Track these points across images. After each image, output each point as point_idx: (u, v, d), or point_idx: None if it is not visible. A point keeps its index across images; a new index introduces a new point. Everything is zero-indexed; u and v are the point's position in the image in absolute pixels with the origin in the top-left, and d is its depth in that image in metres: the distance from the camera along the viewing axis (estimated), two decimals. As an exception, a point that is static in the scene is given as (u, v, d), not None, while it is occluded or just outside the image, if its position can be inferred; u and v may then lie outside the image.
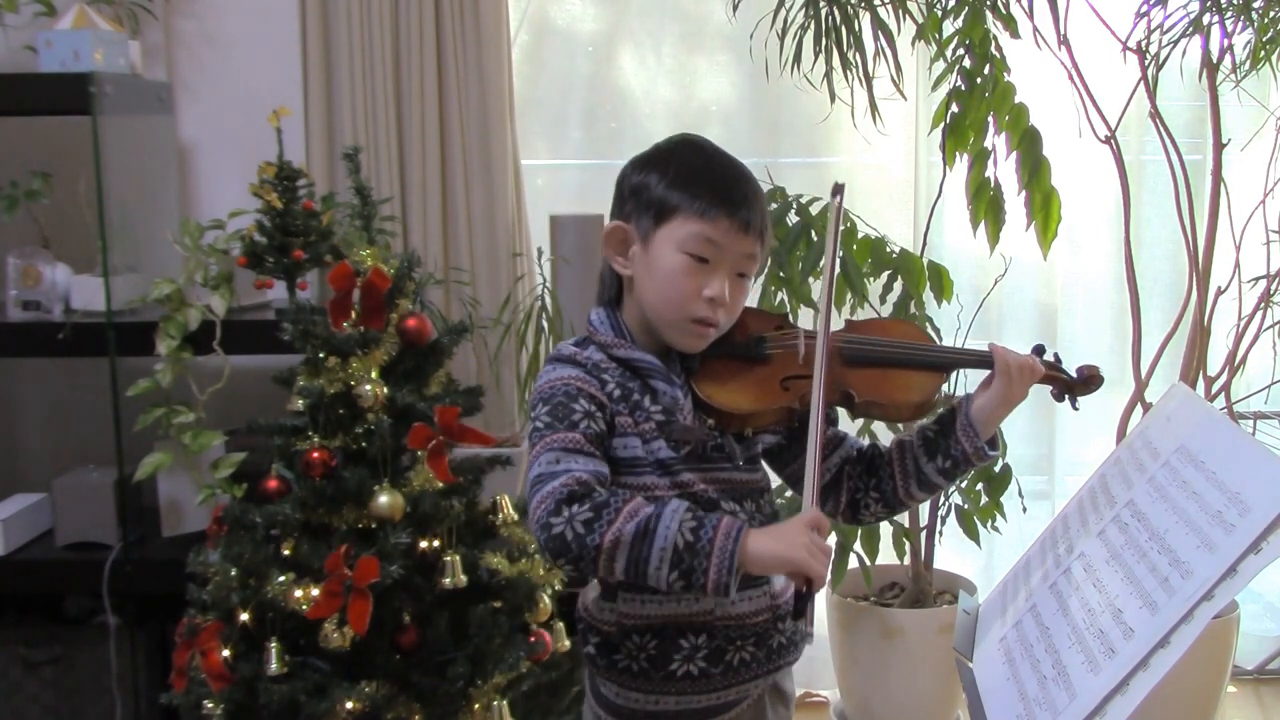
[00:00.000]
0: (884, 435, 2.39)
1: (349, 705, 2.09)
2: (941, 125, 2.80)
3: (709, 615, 1.51)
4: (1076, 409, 1.63)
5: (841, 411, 1.61)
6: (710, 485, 1.50)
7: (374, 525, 2.19)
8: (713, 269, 1.49)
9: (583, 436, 1.42)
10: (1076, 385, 1.61)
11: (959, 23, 2.74)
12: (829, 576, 1.35)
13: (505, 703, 2.20)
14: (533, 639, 2.22)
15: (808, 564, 1.34)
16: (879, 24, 2.71)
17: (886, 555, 2.89)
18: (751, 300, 2.77)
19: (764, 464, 1.61)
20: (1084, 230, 3.27)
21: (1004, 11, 2.73)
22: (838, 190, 1.61)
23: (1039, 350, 1.60)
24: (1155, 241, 3.29)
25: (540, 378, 1.51)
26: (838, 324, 1.65)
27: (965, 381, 2.56)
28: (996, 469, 2.84)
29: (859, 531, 2.81)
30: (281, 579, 2.14)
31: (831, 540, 2.84)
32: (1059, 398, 1.62)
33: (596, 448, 1.43)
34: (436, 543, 2.22)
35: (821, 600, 3.04)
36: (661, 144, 1.58)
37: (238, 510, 2.23)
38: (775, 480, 1.65)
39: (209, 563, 2.27)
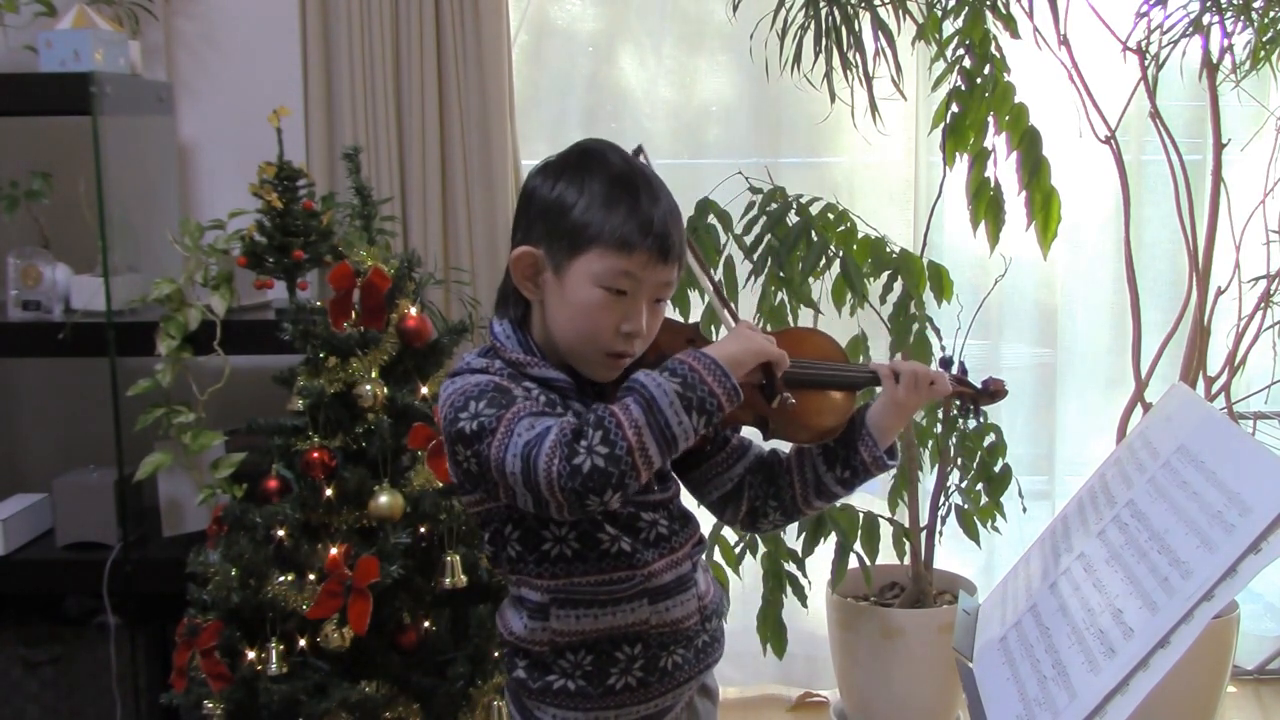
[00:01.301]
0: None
1: (349, 705, 2.09)
2: (941, 125, 2.80)
3: (644, 625, 1.48)
4: (979, 420, 1.63)
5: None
6: (629, 502, 1.46)
7: (374, 525, 2.20)
8: (631, 301, 1.41)
9: (535, 404, 1.38)
10: (982, 396, 1.60)
11: (959, 23, 2.74)
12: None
13: (505, 703, 2.20)
14: (533, 639, 2.22)
15: (768, 348, 1.40)
16: (879, 24, 2.71)
17: (886, 555, 2.89)
18: (751, 300, 2.79)
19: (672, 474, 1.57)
20: (1084, 230, 3.27)
21: (1004, 11, 2.73)
22: (639, 151, 1.55)
23: (946, 363, 1.58)
24: (1155, 241, 3.28)
25: (451, 386, 1.42)
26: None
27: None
28: (996, 469, 2.85)
29: (859, 531, 2.81)
30: (281, 579, 2.14)
31: (832, 539, 2.85)
32: (964, 411, 1.61)
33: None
34: (437, 543, 2.22)
35: (821, 600, 3.04)
36: (570, 157, 1.47)
37: (238, 510, 2.23)
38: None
39: (209, 563, 2.27)
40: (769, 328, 1.63)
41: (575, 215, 1.40)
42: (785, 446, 1.58)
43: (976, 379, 1.62)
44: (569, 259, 1.41)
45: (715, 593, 1.60)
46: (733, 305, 1.46)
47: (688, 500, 1.60)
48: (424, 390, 2.31)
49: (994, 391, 1.61)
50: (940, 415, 2.87)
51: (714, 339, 1.53)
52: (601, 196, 1.41)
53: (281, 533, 2.18)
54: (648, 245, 1.40)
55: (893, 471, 2.52)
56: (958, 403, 1.60)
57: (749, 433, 1.57)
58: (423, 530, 2.24)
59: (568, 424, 1.31)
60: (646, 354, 1.49)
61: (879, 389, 1.55)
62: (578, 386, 1.46)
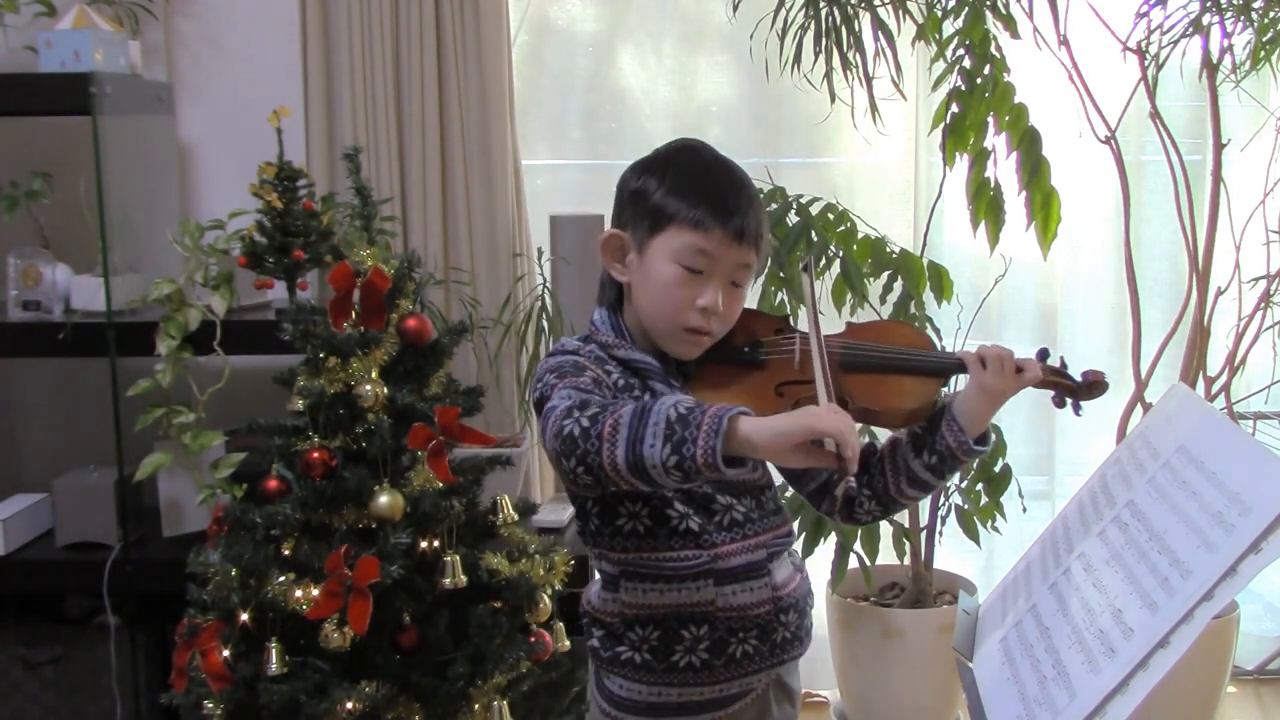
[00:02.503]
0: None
1: (349, 705, 2.09)
2: (941, 125, 2.80)
3: (710, 606, 1.51)
4: (1079, 415, 1.60)
5: None
6: (709, 482, 1.50)
7: (374, 525, 2.20)
8: (706, 279, 1.50)
9: (592, 384, 1.44)
10: (1080, 390, 1.58)
11: (959, 23, 2.74)
12: (856, 448, 1.27)
13: (505, 703, 2.20)
14: (533, 639, 2.22)
15: (822, 421, 1.25)
16: (879, 24, 2.71)
17: (886, 555, 2.89)
18: (751, 301, 2.78)
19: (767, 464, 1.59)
20: (1084, 230, 3.27)
21: (1004, 11, 2.73)
22: (807, 268, 1.63)
23: (1043, 354, 1.58)
24: (1155, 241, 3.29)
25: (541, 364, 1.52)
26: (839, 327, 1.65)
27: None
28: (996, 469, 2.85)
29: (859, 532, 2.81)
30: (281, 579, 2.14)
31: (832, 539, 2.85)
32: (1059, 403, 1.59)
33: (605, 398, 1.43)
34: (436, 543, 2.22)
35: (821, 600, 3.04)
36: (661, 149, 1.58)
37: (238, 510, 2.23)
38: (778, 478, 1.65)
39: (209, 563, 2.27)
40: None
41: (656, 197, 1.50)
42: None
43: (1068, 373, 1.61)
44: (649, 237, 1.51)
45: (799, 588, 1.62)
46: (829, 379, 1.46)
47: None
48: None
49: (1093, 384, 1.58)
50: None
51: (796, 329, 1.60)
52: (682, 180, 1.51)
53: (281, 533, 2.18)
54: (723, 224, 1.48)
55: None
56: (1053, 394, 1.59)
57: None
58: (423, 530, 2.24)
59: (586, 397, 1.36)
60: (736, 336, 1.57)
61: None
62: (665, 369, 1.53)
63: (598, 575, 1.60)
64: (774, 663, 1.58)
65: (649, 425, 1.28)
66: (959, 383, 1.59)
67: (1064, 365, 1.61)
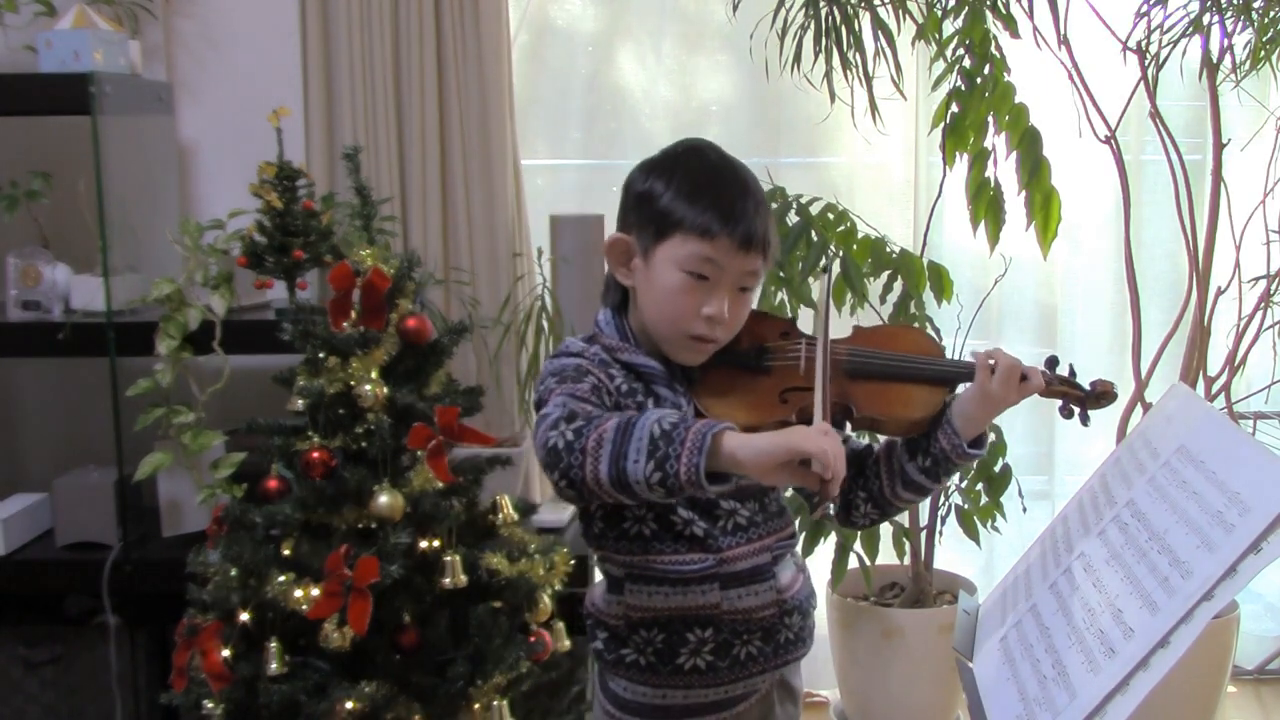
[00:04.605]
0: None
1: (349, 705, 2.09)
2: (941, 125, 2.80)
3: (715, 609, 1.51)
4: (1086, 425, 1.58)
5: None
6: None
7: (374, 525, 2.19)
8: (712, 287, 1.48)
9: (590, 392, 1.43)
10: (1088, 399, 1.57)
11: (959, 23, 2.74)
12: (840, 470, 1.25)
13: (505, 703, 2.20)
14: (533, 639, 2.22)
15: (807, 441, 1.24)
16: (879, 24, 2.71)
17: (886, 555, 2.89)
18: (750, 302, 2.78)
19: None
20: (1084, 230, 3.27)
21: (1004, 11, 2.73)
22: (827, 269, 1.61)
23: (1052, 362, 1.57)
24: (1155, 241, 3.29)
25: (545, 366, 1.51)
26: (845, 330, 1.63)
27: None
28: (996, 469, 2.85)
29: (859, 532, 2.81)
30: (281, 579, 2.14)
31: (832, 540, 2.85)
32: (1066, 412, 1.58)
33: (601, 408, 1.42)
34: (436, 543, 2.22)
35: (821, 600, 3.03)
36: (669, 151, 1.56)
37: (238, 510, 2.23)
38: None
39: (209, 563, 2.27)
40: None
41: (662, 203, 1.48)
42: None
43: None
44: (655, 243, 1.48)
45: (802, 590, 1.62)
46: (826, 397, 1.44)
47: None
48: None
49: (1102, 394, 1.58)
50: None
51: (802, 333, 1.58)
52: (689, 185, 1.48)
53: (281, 533, 2.18)
54: (729, 232, 1.46)
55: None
56: (1060, 404, 1.58)
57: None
58: (423, 530, 2.24)
59: (577, 408, 1.36)
60: (741, 340, 1.55)
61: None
62: (668, 372, 1.52)
63: (601, 577, 1.60)
64: (778, 664, 1.58)
65: (633, 440, 1.28)
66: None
67: (1073, 374, 1.59)
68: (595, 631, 1.60)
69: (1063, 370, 1.59)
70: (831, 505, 1.31)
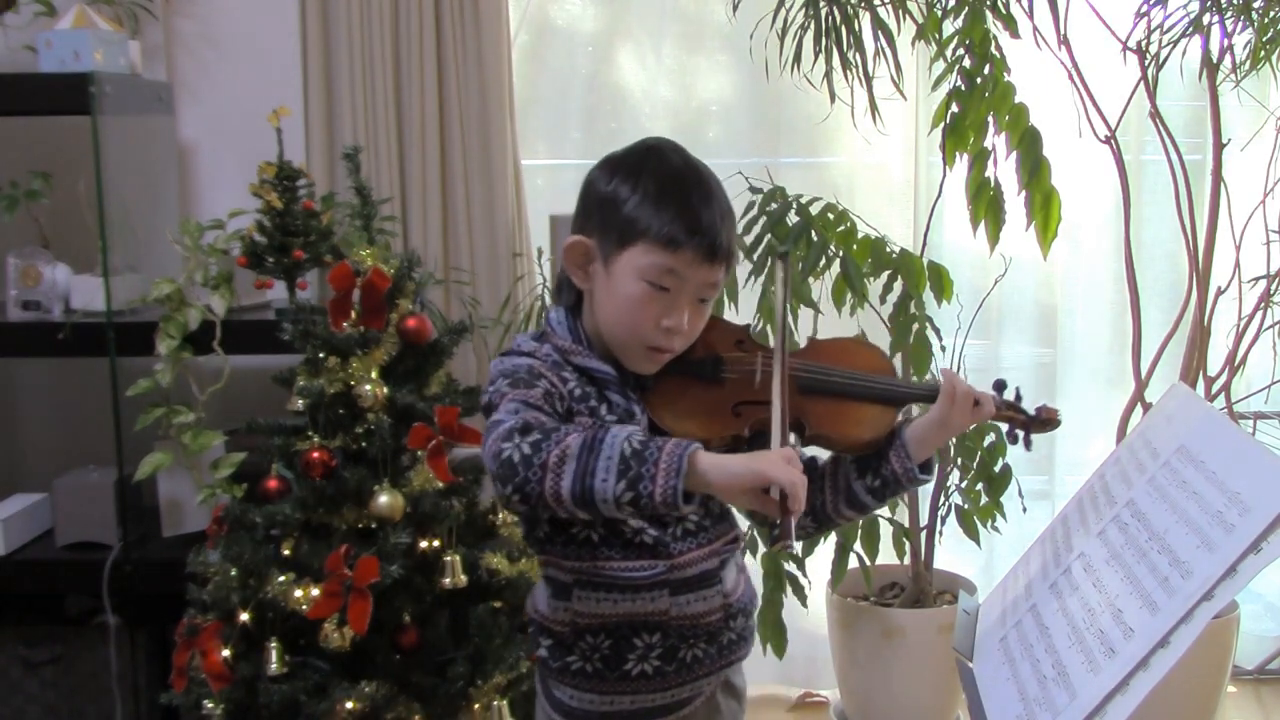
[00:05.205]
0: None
1: (349, 705, 2.09)
2: (941, 125, 2.80)
3: (664, 615, 1.50)
4: (1029, 449, 1.58)
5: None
6: None
7: (374, 525, 2.20)
8: (673, 298, 1.44)
9: (543, 398, 1.40)
10: (1033, 424, 1.57)
11: (959, 23, 2.74)
12: (802, 504, 1.27)
13: (505, 703, 2.20)
14: (533, 639, 2.22)
15: (776, 470, 1.26)
16: (879, 24, 2.71)
17: (886, 555, 2.89)
18: (750, 301, 2.78)
19: None
20: (1084, 230, 3.27)
21: (1004, 11, 2.73)
22: (784, 256, 1.60)
23: (999, 385, 1.56)
24: (1155, 241, 3.29)
25: (498, 364, 1.47)
26: (802, 342, 1.61)
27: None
28: (996, 469, 2.85)
29: (859, 532, 2.81)
30: (281, 579, 2.14)
31: (832, 539, 2.85)
32: (1011, 437, 1.58)
33: (554, 415, 1.40)
34: (436, 543, 2.22)
35: (821, 600, 3.04)
36: (632, 152, 1.52)
37: (238, 510, 2.23)
38: None
39: (209, 563, 2.27)
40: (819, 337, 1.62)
41: (626, 209, 1.44)
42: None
43: (987, 394, 1.59)
44: (617, 251, 1.45)
45: (745, 591, 1.61)
46: (785, 421, 1.43)
47: None
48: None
49: (1047, 420, 1.58)
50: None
51: (757, 344, 1.56)
52: (654, 193, 1.44)
53: (281, 533, 2.18)
54: (694, 244, 1.42)
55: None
56: (1006, 428, 1.58)
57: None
58: (422, 530, 2.24)
59: (531, 419, 1.34)
60: (695, 350, 1.52)
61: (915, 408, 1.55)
62: (621, 378, 1.49)
63: (544, 583, 1.56)
64: (723, 665, 1.57)
65: (600, 458, 1.26)
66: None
67: (1019, 398, 1.58)
68: (538, 638, 1.56)
69: (1009, 395, 1.58)
70: (794, 545, 1.29)
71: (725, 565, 1.56)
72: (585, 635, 1.51)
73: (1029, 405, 1.58)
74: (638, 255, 1.43)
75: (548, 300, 2.90)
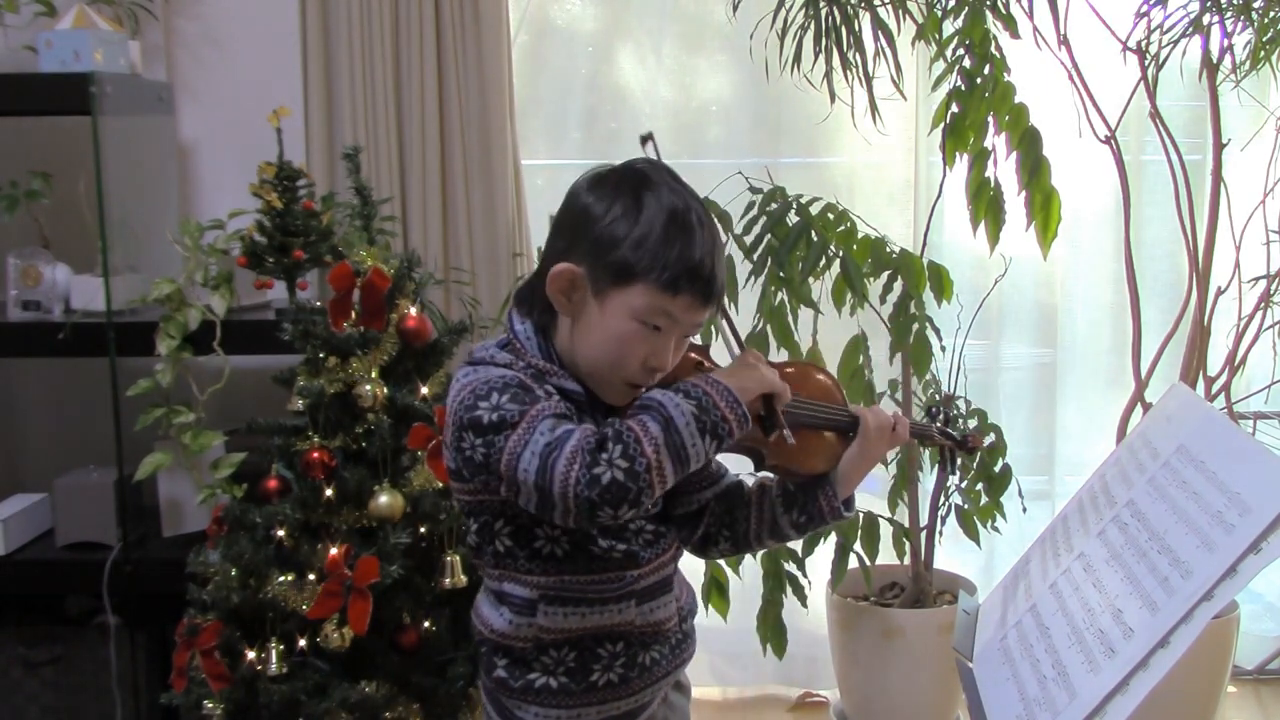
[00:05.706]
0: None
1: (349, 705, 2.09)
2: (941, 125, 2.80)
3: (629, 624, 1.49)
4: (953, 473, 1.62)
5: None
6: None
7: (374, 525, 2.20)
8: (663, 336, 1.42)
9: (558, 407, 1.38)
10: (959, 448, 1.61)
11: (959, 23, 2.74)
12: (788, 395, 1.44)
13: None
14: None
15: (772, 380, 1.42)
16: (879, 24, 2.71)
17: (886, 555, 2.89)
18: (750, 302, 2.78)
19: None
20: (1084, 230, 3.27)
21: (1004, 11, 2.73)
22: (649, 138, 1.51)
23: (933, 412, 1.59)
24: (1155, 241, 3.28)
25: (473, 374, 1.41)
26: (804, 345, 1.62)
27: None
28: (996, 469, 2.85)
29: (859, 531, 2.81)
30: (281, 579, 2.14)
31: (832, 540, 2.85)
32: (943, 464, 1.62)
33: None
34: (437, 543, 2.22)
35: (821, 600, 3.04)
36: (624, 181, 1.44)
37: (238, 510, 2.23)
38: None
39: (209, 563, 2.28)
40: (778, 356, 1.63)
41: (626, 249, 1.39)
42: (752, 479, 1.61)
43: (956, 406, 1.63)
44: (612, 287, 1.40)
45: (689, 594, 1.63)
46: (739, 333, 1.48)
47: None
48: (424, 390, 2.31)
49: (972, 448, 1.65)
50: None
51: (716, 364, 1.54)
52: (657, 235, 1.39)
53: (281, 533, 2.18)
54: (694, 290, 1.40)
55: (891, 472, 2.50)
56: (938, 450, 1.62)
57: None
58: (423, 530, 2.24)
59: (590, 432, 1.31)
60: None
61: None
62: (591, 401, 1.46)
63: (494, 600, 1.51)
64: (677, 664, 1.57)
65: (680, 431, 1.31)
66: None
67: (948, 422, 1.62)
68: (494, 659, 1.52)
69: (939, 419, 1.62)
70: (787, 432, 1.41)
71: (676, 570, 1.57)
72: (549, 650, 1.48)
73: (956, 432, 1.65)
74: (635, 296, 1.39)
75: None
